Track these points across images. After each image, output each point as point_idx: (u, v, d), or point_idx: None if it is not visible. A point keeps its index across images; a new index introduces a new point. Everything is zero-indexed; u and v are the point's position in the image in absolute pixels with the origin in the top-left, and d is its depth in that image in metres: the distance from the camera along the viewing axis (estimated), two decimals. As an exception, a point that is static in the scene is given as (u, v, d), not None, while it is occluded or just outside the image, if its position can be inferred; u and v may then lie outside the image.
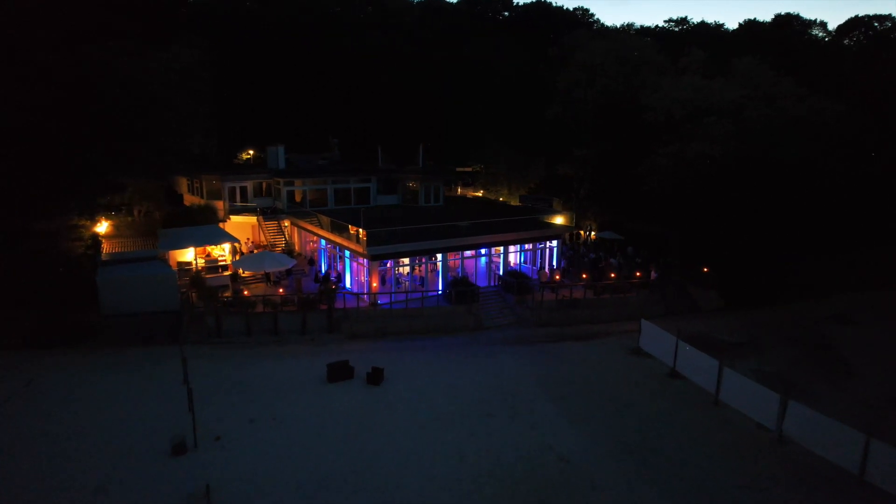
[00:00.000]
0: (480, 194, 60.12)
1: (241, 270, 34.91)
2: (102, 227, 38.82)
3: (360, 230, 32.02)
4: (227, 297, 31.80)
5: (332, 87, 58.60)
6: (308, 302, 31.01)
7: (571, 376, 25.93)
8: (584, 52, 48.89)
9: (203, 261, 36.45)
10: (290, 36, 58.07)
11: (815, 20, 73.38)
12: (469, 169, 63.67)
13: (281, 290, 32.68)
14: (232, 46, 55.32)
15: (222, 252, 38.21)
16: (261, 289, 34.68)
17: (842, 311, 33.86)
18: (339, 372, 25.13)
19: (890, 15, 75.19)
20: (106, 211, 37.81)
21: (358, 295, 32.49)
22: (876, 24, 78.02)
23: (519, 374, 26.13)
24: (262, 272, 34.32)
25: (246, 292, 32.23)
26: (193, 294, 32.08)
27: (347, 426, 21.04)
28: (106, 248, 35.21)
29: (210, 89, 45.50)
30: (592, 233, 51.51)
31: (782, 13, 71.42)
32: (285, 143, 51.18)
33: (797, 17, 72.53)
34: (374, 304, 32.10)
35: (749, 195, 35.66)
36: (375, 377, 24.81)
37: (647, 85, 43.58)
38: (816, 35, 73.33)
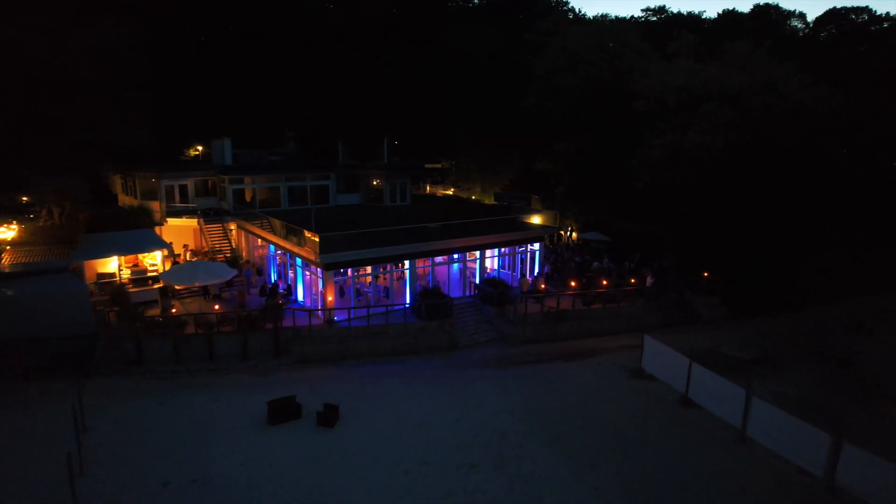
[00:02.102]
0: (451, 192, 55.66)
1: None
2: (9, 232, 33.03)
3: (312, 234, 27.15)
4: (153, 316, 26.57)
5: (288, 75, 53.25)
6: (249, 320, 26.01)
7: (566, 408, 21.61)
8: (564, 37, 44.88)
9: (129, 271, 31.02)
10: (240, 18, 52.52)
11: (794, 11, 71.18)
12: (439, 165, 59.18)
13: (217, 307, 27.56)
14: (173, 29, 49.52)
15: (154, 261, 32.83)
16: (197, 305, 29.53)
17: (857, 320, 30.45)
18: (283, 411, 20.32)
19: (867, 7, 73.10)
20: (9, 213, 32.06)
21: (310, 311, 27.60)
22: (853, 17, 76.90)
23: (504, 406, 21.69)
24: (197, 285, 29.07)
25: (174, 310, 27.05)
26: (112, 313, 26.77)
27: (290, 488, 16.29)
28: (8, 258, 29.46)
29: (145, 75, 40.09)
30: (573, 234, 47.52)
31: (761, 3, 68.93)
32: (234, 137, 45.83)
33: (776, 8, 70.23)
34: (329, 321, 27.28)
35: (753, 190, 31.98)
36: (328, 417, 20.08)
37: (634, 71, 39.72)
38: (796, 26, 71.12)
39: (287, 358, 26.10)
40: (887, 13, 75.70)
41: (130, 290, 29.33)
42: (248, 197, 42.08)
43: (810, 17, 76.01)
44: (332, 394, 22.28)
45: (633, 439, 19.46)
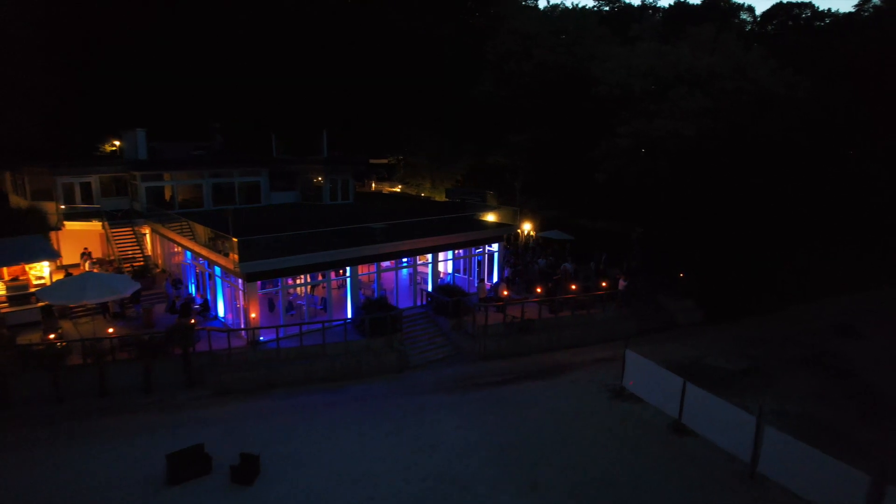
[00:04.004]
0: (399, 189, 51.54)
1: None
2: None
3: (230, 237, 22.55)
4: (27, 344, 21.34)
5: (212, 59, 47.77)
6: (152, 345, 21.17)
7: (541, 443, 17.93)
8: (517, 20, 41.53)
9: (3, 287, 25.47)
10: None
11: (743, 4, 70.72)
12: (385, 161, 54.89)
13: (111, 330, 22.51)
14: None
15: (42, 274, 27.36)
16: (99, 325, 24.36)
17: (843, 321, 28.19)
18: (187, 466, 15.82)
19: (810, 3, 73.57)
20: None
21: (229, 330, 22.94)
22: (797, 11, 77.53)
23: (466, 444, 17.82)
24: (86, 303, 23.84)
25: (52, 335, 21.89)
26: (-28, 341, 21.38)
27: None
28: None
29: (38, 53, 34.42)
30: (532, 232, 44.23)
31: (711, -5, 67.99)
32: (153, 129, 40.37)
33: (726, 0, 69.39)
34: (253, 342, 22.72)
35: (728, 182, 29.32)
36: (245, 471, 15.71)
37: (595, 56, 36.66)
38: (745, 19, 70.62)
39: (202, 389, 21.42)
40: (829, 9, 76.36)
41: (4, 309, 23.91)
42: (167, 196, 36.88)
43: (757, 12, 75.76)
44: (253, 436, 17.95)
45: (625, 481, 16.00)
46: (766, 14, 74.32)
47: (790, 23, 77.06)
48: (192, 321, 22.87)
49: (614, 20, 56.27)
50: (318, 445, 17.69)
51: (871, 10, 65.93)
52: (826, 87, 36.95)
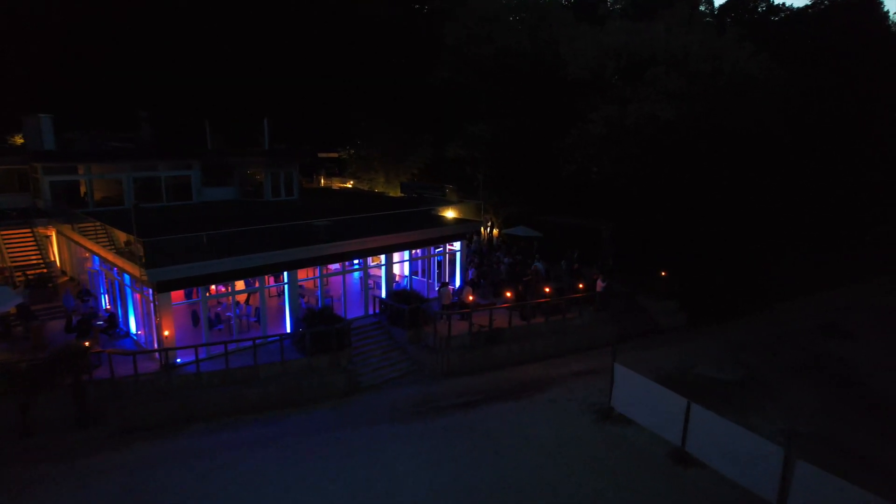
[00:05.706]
0: (350, 185, 47.63)
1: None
2: None
3: (133, 238, 18.45)
4: None
5: (138, 41, 42.89)
6: (33, 374, 16.90)
7: (522, 485, 14.65)
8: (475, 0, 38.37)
9: None
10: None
11: (703, -5, 69.44)
12: (335, 155, 50.80)
13: (-22, 358, 18.11)
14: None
15: None
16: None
17: (828, 321, 26.11)
18: (58, 543, 11.86)
19: (766, -3, 73.40)
20: None
21: (137, 352, 18.79)
22: (752, 5, 77.43)
23: (430, 489, 14.39)
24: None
25: None
26: None
27: None
28: None
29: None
30: (495, 230, 41.13)
31: (670, -15, 66.39)
32: (72, 118, 35.55)
33: (685, -9, 68.04)
34: (168, 366, 18.64)
35: (706, 174, 26.85)
36: (138, 547, 11.86)
37: (559, 39, 33.73)
38: (703, 10, 69.48)
39: (100, 428, 17.33)
40: (782, 3, 76.32)
41: None
42: (83, 193, 32.19)
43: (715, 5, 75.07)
44: (161, 490, 14.15)
45: (626, 532, 12.90)
46: (723, 7, 73.72)
47: (746, 16, 77.07)
48: (87, 343, 18.59)
49: (577, 8, 53.90)
50: (242, 499, 13.95)
51: (826, 3, 66.05)
52: (801, 76, 35.25)
